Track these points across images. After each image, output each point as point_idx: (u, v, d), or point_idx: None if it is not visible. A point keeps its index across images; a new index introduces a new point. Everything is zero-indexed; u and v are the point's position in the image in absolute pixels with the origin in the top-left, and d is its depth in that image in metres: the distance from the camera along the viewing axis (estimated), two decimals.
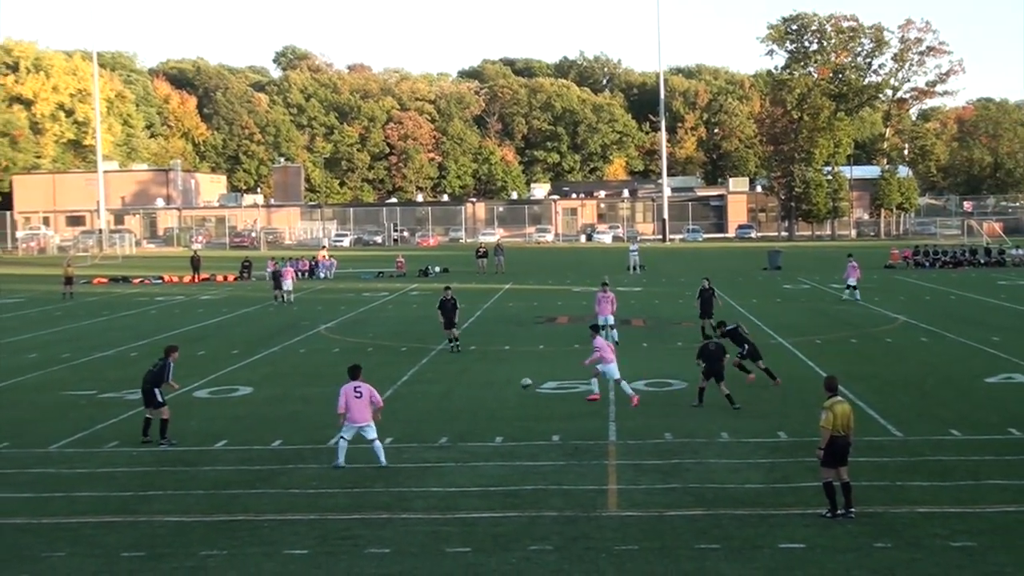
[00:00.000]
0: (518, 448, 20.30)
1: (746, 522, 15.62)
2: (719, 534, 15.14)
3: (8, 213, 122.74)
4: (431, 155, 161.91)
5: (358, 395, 19.12)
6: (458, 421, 22.89)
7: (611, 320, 33.66)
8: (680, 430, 21.45)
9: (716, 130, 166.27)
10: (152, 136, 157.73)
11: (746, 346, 26.10)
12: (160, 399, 21.13)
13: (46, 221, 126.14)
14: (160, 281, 66.65)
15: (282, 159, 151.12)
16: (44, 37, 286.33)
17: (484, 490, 17.49)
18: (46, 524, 16.18)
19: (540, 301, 48.95)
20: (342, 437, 19.17)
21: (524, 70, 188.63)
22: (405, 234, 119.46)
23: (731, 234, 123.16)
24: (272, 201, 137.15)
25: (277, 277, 51.81)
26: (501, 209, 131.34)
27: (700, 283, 36.59)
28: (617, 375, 24.53)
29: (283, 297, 50.71)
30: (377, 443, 19.10)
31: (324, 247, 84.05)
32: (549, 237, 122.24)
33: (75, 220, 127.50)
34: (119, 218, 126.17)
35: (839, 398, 16.02)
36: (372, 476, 18.43)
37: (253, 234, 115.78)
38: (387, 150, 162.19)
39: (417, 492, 17.44)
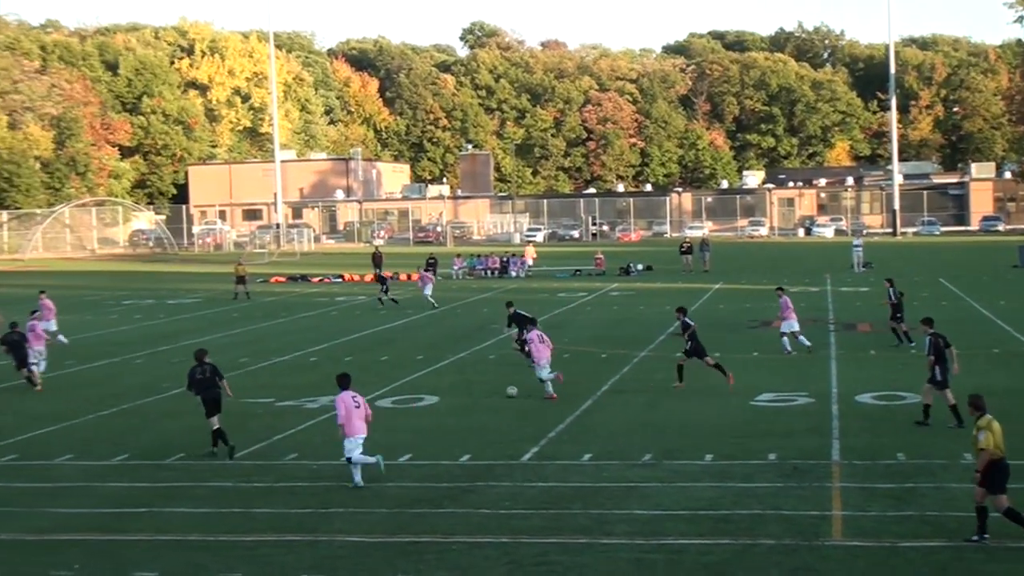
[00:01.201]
0: (731, 467, 20.08)
1: (995, 556, 15.07)
2: (961, 569, 14.67)
3: (184, 207, 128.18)
4: (632, 140, 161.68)
5: (356, 405, 19.45)
6: (664, 436, 22.78)
7: (795, 326, 32.97)
8: (915, 450, 20.84)
9: (956, 108, 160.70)
10: (331, 123, 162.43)
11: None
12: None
13: (222, 215, 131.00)
14: (340, 280, 68.54)
15: (470, 146, 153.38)
16: (220, 18, 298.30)
17: (693, 514, 17.36)
18: (222, 541, 16.74)
19: (753, 303, 48.28)
20: (358, 454, 19.41)
21: (735, 44, 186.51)
22: (604, 228, 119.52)
23: (974, 227, 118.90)
24: (459, 192, 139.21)
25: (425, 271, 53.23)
26: (710, 200, 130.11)
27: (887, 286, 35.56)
28: (544, 375, 26.86)
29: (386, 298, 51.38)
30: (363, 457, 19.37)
31: (530, 242, 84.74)
32: (763, 231, 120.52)
33: (251, 214, 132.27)
34: (297, 211, 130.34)
35: (990, 416, 15.97)
36: (569, 496, 18.50)
37: (438, 228, 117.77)
38: (584, 135, 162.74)
39: (619, 515, 17.42)
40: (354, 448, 19.41)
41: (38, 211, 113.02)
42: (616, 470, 20.11)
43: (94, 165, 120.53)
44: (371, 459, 19.52)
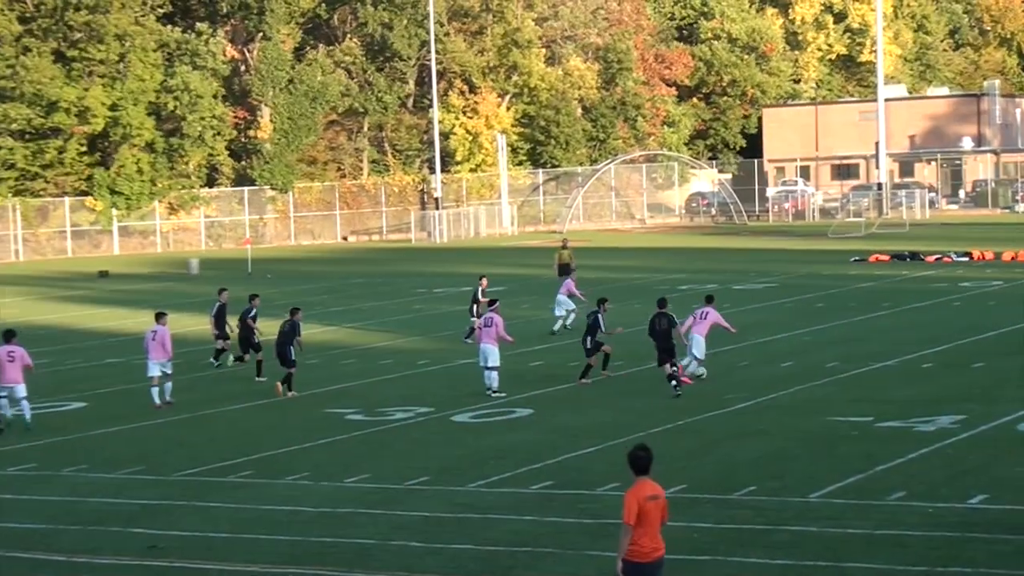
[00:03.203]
0: None
1: None
2: None
3: (755, 162, 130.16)
4: None
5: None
6: None
7: None
8: None
9: None
10: (957, 47, 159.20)
11: None
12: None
13: (804, 173, 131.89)
14: (967, 258, 67.15)
15: None
16: None
17: None
18: None
19: None
20: None
21: None
22: None
23: None
24: None
25: None
26: None
27: None
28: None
29: None
30: None
31: None
32: None
33: (844, 171, 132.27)
34: (906, 167, 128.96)
35: None
36: None
37: None
38: None
39: None
40: None
41: (579, 169, 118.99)
42: None
43: (646, 109, 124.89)
44: None
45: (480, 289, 43.57)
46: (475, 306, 43.32)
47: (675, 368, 32.06)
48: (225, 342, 39.71)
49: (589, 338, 34.26)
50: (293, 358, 34.36)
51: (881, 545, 19.32)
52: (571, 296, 45.31)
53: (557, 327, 45.14)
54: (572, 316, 45.11)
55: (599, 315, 34.29)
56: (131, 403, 34.82)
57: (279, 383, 34.49)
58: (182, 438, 30.08)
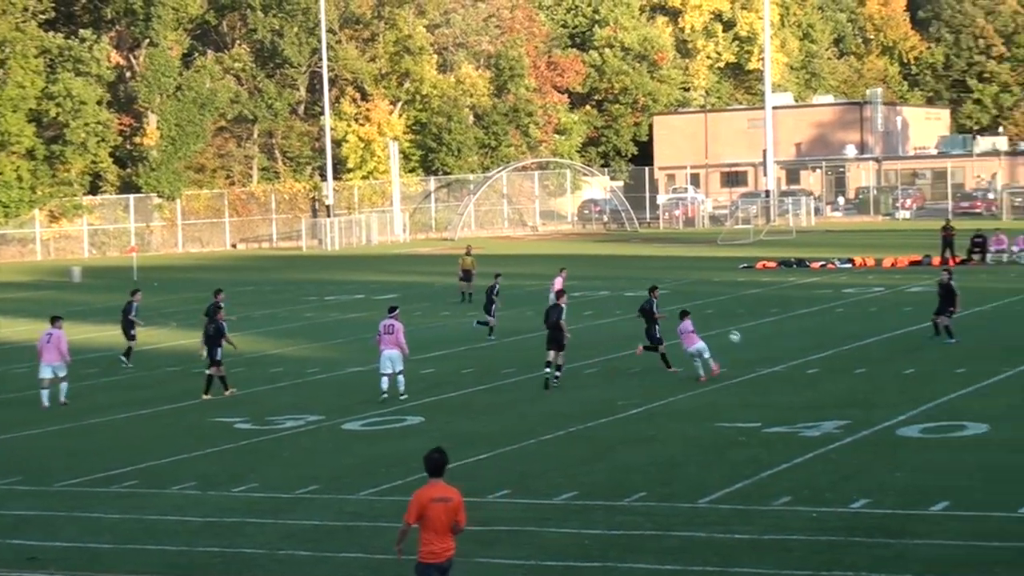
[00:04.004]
0: None
1: None
2: None
3: (646, 170, 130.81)
4: None
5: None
6: None
7: None
8: None
9: None
10: (841, 55, 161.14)
11: None
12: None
13: (695, 180, 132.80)
14: (849, 265, 68.02)
15: None
16: None
17: None
18: None
19: None
20: None
21: None
22: None
23: None
24: (1022, 146, 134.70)
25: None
26: None
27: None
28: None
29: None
30: None
31: None
32: None
33: (733, 178, 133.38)
34: (792, 174, 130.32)
35: None
36: None
37: (990, 195, 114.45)
38: None
39: None
40: None
41: (471, 176, 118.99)
42: None
43: (538, 116, 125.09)
44: None
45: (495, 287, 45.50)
46: (491, 306, 45.59)
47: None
48: (132, 342, 41.92)
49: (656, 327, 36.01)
50: (219, 358, 34.98)
51: (767, 550, 19.47)
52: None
53: None
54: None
55: (653, 301, 36.49)
56: (10, 413, 34.37)
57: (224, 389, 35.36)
58: (65, 448, 29.74)
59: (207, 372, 35.33)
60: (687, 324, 34.39)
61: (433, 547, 14.68)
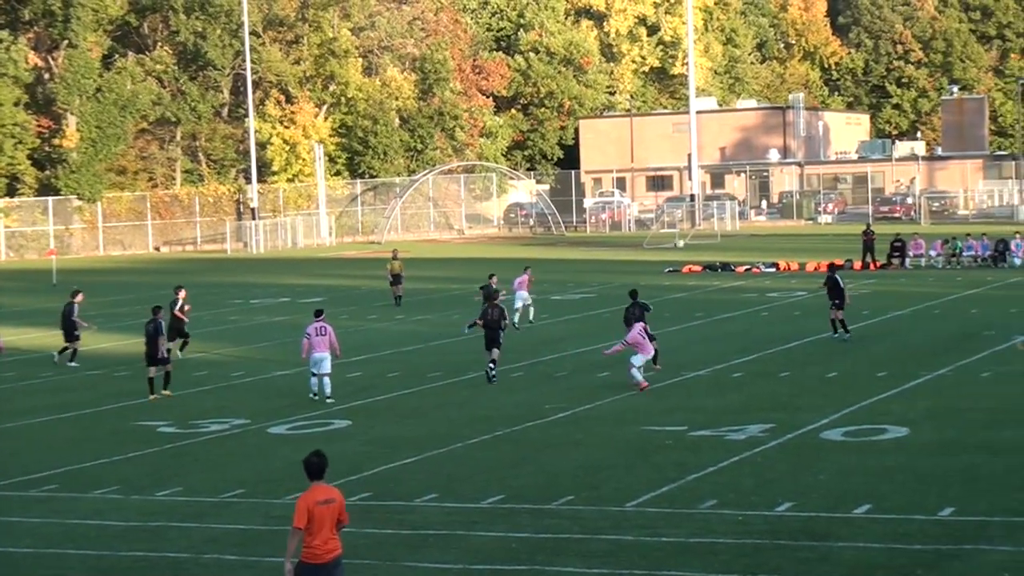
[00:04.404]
0: None
1: None
2: None
3: (573, 173, 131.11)
4: None
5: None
6: None
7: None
8: None
9: None
10: (763, 60, 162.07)
11: None
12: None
13: (621, 184, 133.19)
14: (774, 269, 68.40)
15: (955, 89, 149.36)
16: None
17: None
18: None
19: None
20: None
21: None
22: None
23: None
24: (939, 151, 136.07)
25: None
26: None
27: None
28: None
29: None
30: None
31: None
32: None
33: (658, 182, 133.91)
34: (717, 178, 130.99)
35: None
36: None
37: (909, 200, 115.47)
38: None
39: None
40: None
41: (397, 180, 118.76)
42: None
43: (464, 120, 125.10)
44: None
45: (491, 284, 44.46)
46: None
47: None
48: (75, 343, 42.37)
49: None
50: (162, 355, 35.28)
51: (694, 553, 19.52)
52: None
53: (518, 319, 47.66)
54: (531, 310, 49.36)
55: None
56: None
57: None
58: None
59: (149, 376, 35.49)
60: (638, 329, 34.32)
61: (316, 549, 14.94)
